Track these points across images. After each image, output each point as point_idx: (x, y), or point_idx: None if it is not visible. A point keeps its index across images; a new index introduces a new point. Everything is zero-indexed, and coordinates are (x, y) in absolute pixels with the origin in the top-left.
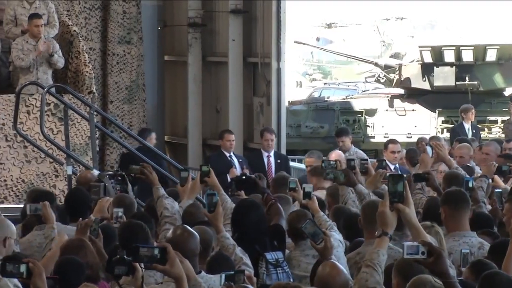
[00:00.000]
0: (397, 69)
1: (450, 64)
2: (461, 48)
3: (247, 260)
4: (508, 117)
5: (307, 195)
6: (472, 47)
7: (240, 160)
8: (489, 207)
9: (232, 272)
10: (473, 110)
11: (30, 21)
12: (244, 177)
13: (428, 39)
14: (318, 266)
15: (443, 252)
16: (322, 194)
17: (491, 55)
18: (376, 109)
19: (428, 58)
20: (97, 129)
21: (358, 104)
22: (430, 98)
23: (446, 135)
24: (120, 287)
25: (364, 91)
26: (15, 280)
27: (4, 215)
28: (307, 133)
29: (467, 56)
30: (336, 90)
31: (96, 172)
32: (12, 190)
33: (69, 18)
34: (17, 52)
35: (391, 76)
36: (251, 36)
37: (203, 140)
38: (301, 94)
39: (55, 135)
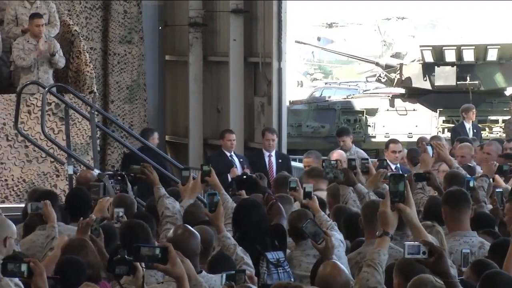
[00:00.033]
0: (398, 68)
1: (451, 64)
2: (462, 47)
3: (248, 260)
4: (509, 117)
5: (308, 195)
6: (473, 47)
7: (241, 159)
8: (490, 206)
9: (233, 272)
10: (474, 110)
11: (31, 20)
12: (245, 177)
13: (429, 38)
14: (318, 266)
15: (444, 252)
16: (319, 195)
17: (492, 55)
18: (377, 108)
19: (429, 58)
20: (98, 129)
21: (359, 104)
22: (431, 98)
23: (447, 134)
24: (121, 287)
25: (365, 90)
26: (16, 280)
27: (5, 215)
28: (308, 132)
29: (468, 56)
30: (337, 89)
31: (96, 172)
32: (13, 190)
33: (70, 18)
34: (18, 51)
35: (392, 75)
36: (252, 36)
37: (204, 140)
38: (302, 93)
39: (56, 134)
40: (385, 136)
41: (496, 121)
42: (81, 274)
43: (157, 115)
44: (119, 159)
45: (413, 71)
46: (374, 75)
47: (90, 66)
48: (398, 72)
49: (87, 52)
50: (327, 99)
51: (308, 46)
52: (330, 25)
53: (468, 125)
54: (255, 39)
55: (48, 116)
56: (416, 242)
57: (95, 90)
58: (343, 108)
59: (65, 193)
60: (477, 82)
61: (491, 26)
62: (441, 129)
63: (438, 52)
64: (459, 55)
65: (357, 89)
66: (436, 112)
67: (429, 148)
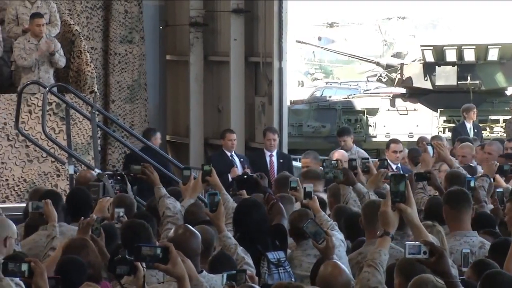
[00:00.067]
0: (398, 68)
1: (452, 64)
2: (462, 47)
3: (249, 260)
4: (510, 117)
5: (308, 195)
6: (474, 47)
7: (242, 159)
8: (491, 206)
9: (234, 272)
10: (475, 110)
11: (32, 20)
12: (245, 177)
13: (430, 38)
14: (318, 266)
15: (445, 251)
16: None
17: (493, 55)
18: (378, 108)
19: (430, 58)
20: (99, 129)
21: (359, 104)
22: (432, 98)
23: (448, 134)
24: (122, 287)
25: (365, 90)
26: (17, 280)
27: (5, 215)
28: (308, 132)
29: (469, 56)
30: (337, 89)
31: (96, 172)
32: (14, 190)
33: (70, 18)
34: (20, 51)
35: (393, 75)
36: (252, 36)
37: (205, 140)
38: (303, 93)
39: (57, 134)
40: (386, 136)
41: (497, 121)
42: (82, 274)
43: (158, 115)
44: (120, 159)
45: (414, 71)
46: (375, 75)
47: (91, 66)
48: (399, 72)
49: (88, 52)
50: (328, 99)
51: (309, 46)
52: (331, 25)
53: (468, 125)
54: (256, 39)
55: (49, 116)
56: (417, 242)
57: (96, 90)
58: (344, 108)
59: (65, 193)
60: (478, 82)
61: (492, 26)
62: (441, 129)
63: (439, 52)
64: (460, 55)
65: (358, 89)
66: (437, 112)
67: (429, 148)
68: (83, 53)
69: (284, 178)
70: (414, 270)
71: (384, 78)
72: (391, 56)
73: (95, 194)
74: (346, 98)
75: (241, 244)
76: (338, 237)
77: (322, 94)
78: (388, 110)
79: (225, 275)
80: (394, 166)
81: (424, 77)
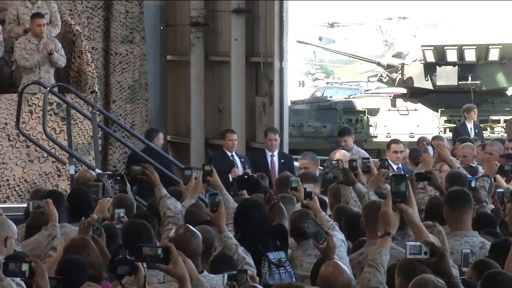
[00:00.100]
0: (399, 68)
1: (453, 64)
2: (463, 47)
3: (250, 260)
4: (511, 117)
5: (308, 195)
6: (475, 47)
7: (242, 159)
8: (492, 206)
9: (235, 272)
10: (476, 110)
11: (33, 20)
12: (246, 177)
13: (431, 38)
14: (318, 266)
15: (445, 252)
16: None
17: (494, 55)
18: (379, 108)
19: (430, 58)
20: (99, 129)
21: (360, 104)
22: (433, 98)
23: (449, 134)
24: (122, 287)
25: (366, 90)
26: (18, 280)
27: (6, 215)
28: (309, 132)
29: (470, 56)
30: (338, 89)
31: (97, 172)
32: (15, 190)
33: (71, 18)
34: (21, 51)
35: (394, 75)
36: (253, 36)
37: (206, 140)
38: (304, 93)
39: (58, 134)
40: (386, 136)
41: (498, 121)
42: (83, 274)
43: (159, 115)
44: (121, 159)
45: (414, 71)
46: (376, 75)
47: (91, 66)
48: (400, 72)
49: (89, 52)
50: (328, 99)
51: (309, 46)
52: (332, 25)
53: (469, 125)
54: (256, 39)
55: (50, 116)
56: (418, 242)
57: (97, 90)
58: (345, 108)
59: (66, 193)
60: (478, 82)
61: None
62: (442, 129)
63: (440, 52)
64: (461, 55)
65: (358, 89)
66: (438, 112)
67: (430, 148)
68: (84, 53)
69: (285, 178)
70: (415, 271)
71: (385, 78)
72: (392, 56)
73: (94, 194)
74: (347, 98)
75: (242, 244)
76: (338, 237)
77: (323, 94)
78: (389, 110)
79: (226, 275)
80: (395, 167)
81: (425, 77)
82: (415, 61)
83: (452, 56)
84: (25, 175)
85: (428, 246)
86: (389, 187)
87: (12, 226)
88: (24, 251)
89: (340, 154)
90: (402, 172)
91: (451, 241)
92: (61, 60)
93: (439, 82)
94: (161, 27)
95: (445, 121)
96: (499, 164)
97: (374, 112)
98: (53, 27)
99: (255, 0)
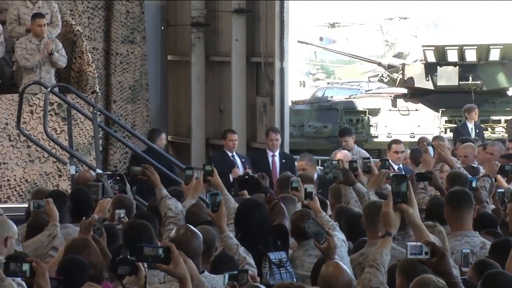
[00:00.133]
0: (400, 68)
1: (454, 64)
2: (464, 47)
3: (251, 260)
4: (511, 117)
5: (309, 195)
6: (476, 47)
7: (243, 160)
8: (493, 206)
9: (236, 272)
10: (477, 110)
11: (33, 20)
12: (247, 177)
13: (432, 38)
14: (319, 266)
15: (446, 252)
16: None
17: (495, 55)
18: (379, 108)
19: (431, 58)
20: (100, 129)
21: (361, 104)
22: (433, 98)
23: (449, 134)
24: (123, 287)
25: (367, 90)
26: (19, 280)
27: (7, 215)
28: (310, 132)
29: (471, 56)
30: (339, 89)
31: (97, 172)
32: (16, 190)
33: (72, 18)
34: (22, 51)
35: (394, 75)
36: (254, 36)
37: (206, 140)
38: (304, 93)
39: (59, 134)
40: (387, 136)
41: (499, 121)
42: (84, 274)
43: (160, 115)
44: (122, 159)
45: (415, 71)
46: (376, 75)
47: (92, 66)
48: (401, 72)
49: (90, 52)
50: (329, 99)
51: (310, 46)
52: (333, 25)
53: (470, 125)
54: (257, 39)
55: (51, 116)
56: (419, 243)
57: (98, 90)
58: (345, 108)
59: (67, 193)
60: (479, 82)
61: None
62: (443, 129)
63: (441, 52)
64: (462, 55)
65: (359, 89)
66: (439, 112)
67: (430, 149)
68: (85, 53)
69: (286, 179)
70: (415, 271)
71: (386, 78)
72: (393, 56)
73: (94, 194)
74: (347, 98)
75: (243, 244)
76: (339, 237)
77: (323, 94)
78: (390, 110)
79: (226, 275)
80: (395, 167)
81: (426, 77)
82: (416, 61)
83: (453, 56)
84: (25, 175)
85: (429, 246)
86: (389, 187)
87: (12, 226)
88: (26, 251)
89: (341, 154)
90: (403, 172)
91: (452, 241)
92: (62, 61)
93: (440, 82)
94: (162, 27)
95: (446, 121)
96: (500, 164)
97: (375, 112)
98: (53, 28)
99: (255, 0)
